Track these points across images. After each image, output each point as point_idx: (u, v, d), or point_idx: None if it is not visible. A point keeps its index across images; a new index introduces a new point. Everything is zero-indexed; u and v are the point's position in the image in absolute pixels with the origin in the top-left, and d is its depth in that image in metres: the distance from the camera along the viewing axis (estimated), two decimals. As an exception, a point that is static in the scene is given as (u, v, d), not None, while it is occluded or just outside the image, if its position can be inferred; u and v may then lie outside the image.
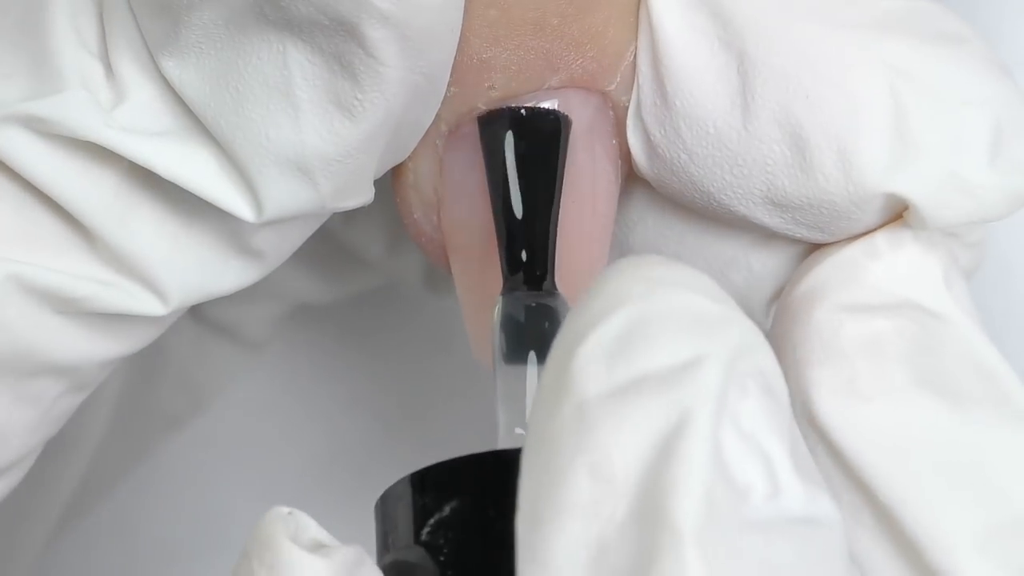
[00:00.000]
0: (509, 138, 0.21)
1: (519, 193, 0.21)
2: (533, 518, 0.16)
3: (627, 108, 0.22)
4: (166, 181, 0.20)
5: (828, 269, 0.21)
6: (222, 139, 0.20)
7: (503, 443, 0.20)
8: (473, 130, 0.22)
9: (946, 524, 0.19)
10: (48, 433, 0.22)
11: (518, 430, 0.20)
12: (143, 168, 0.20)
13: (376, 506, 0.21)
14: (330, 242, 0.30)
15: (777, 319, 0.22)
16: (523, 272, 0.21)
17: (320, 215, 0.21)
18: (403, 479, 0.20)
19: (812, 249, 0.22)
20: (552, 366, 0.17)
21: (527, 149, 0.21)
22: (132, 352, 0.22)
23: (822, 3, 0.21)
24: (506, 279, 0.21)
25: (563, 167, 0.21)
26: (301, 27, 0.19)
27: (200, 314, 0.31)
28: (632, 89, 0.22)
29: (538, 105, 0.21)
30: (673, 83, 0.21)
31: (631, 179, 0.23)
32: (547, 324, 0.21)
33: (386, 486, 0.35)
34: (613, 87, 0.22)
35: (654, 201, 0.23)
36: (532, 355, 0.20)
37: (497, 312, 0.21)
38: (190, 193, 0.20)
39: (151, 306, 0.21)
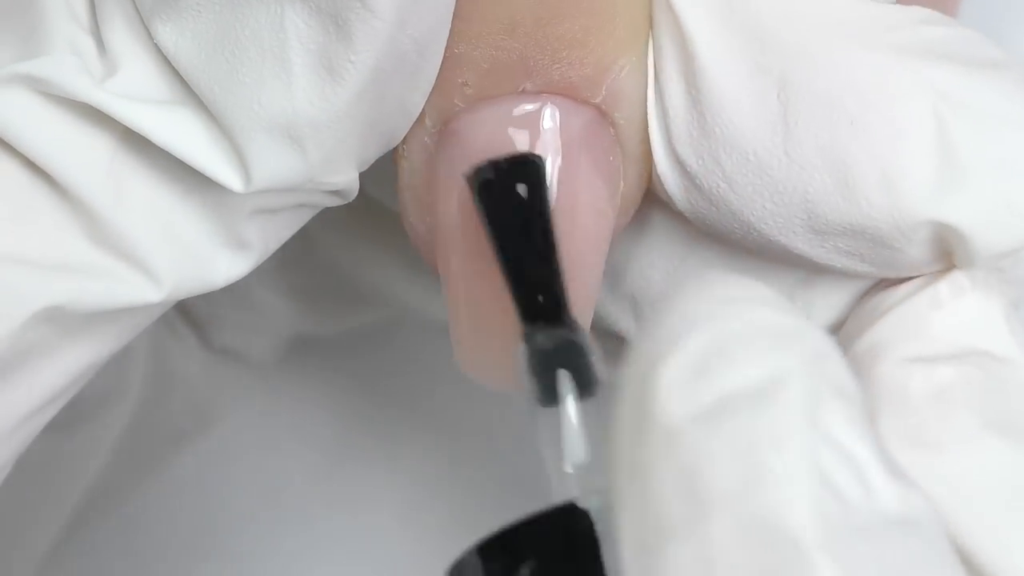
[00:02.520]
0: (495, 192, 0.21)
1: (517, 241, 0.21)
2: (638, 548, 0.17)
3: (624, 126, 0.21)
4: (158, 158, 0.20)
5: (892, 321, 0.21)
6: (213, 106, 0.20)
7: (555, 485, 0.20)
8: (459, 128, 0.21)
9: (1017, 560, 0.19)
10: (16, 449, 0.21)
11: (568, 468, 0.20)
12: (135, 143, 0.20)
13: None
14: (329, 281, 0.30)
15: None
16: (540, 314, 0.21)
17: (306, 205, 0.21)
18: (470, 549, 0.20)
19: (862, 289, 0.22)
20: (630, 394, 0.17)
21: (513, 199, 0.21)
22: (110, 355, 0.22)
23: (862, 28, 0.20)
24: (524, 325, 0.21)
25: (550, 204, 0.21)
26: None
27: (208, 340, 0.31)
28: (628, 108, 0.21)
29: (513, 153, 0.21)
30: (712, 110, 0.21)
31: (665, 221, 0.23)
32: (576, 359, 0.20)
33: (388, 486, 0.35)
34: (599, 100, 0.21)
35: (697, 240, 0.23)
36: (568, 394, 0.20)
37: (521, 358, 0.21)
38: (182, 171, 0.20)
39: (145, 292, 0.20)
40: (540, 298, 0.21)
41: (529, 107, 0.21)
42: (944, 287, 0.21)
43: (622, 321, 0.24)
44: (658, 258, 0.24)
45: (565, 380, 0.20)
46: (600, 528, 0.18)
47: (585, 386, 0.20)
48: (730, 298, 0.17)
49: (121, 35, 0.20)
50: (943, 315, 0.21)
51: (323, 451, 0.35)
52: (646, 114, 0.21)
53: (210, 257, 0.21)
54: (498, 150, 0.21)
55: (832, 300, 0.23)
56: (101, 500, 0.31)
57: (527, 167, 0.21)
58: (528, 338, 0.21)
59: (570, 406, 0.20)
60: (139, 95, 0.20)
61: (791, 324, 0.17)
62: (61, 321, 0.20)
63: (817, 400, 0.17)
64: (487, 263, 0.21)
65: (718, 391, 0.16)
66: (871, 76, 0.20)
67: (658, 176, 0.22)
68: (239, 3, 0.19)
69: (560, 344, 0.20)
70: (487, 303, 0.22)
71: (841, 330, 0.22)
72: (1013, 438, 0.20)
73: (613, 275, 0.24)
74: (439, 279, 0.23)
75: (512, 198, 0.21)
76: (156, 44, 0.20)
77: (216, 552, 0.35)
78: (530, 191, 0.21)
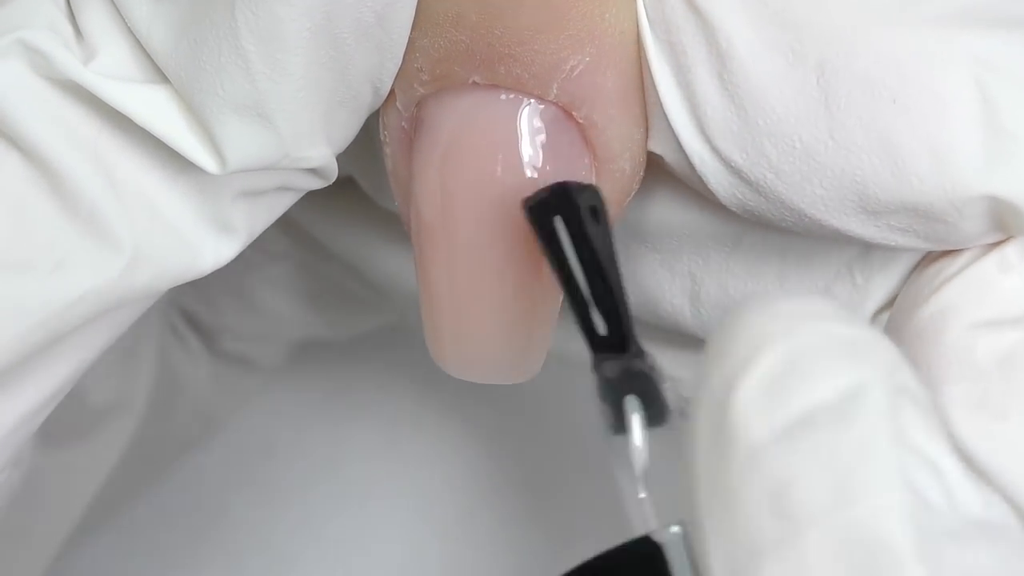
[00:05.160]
0: (558, 221, 0.21)
1: (581, 272, 0.21)
2: (730, 571, 0.17)
3: (584, 126, 0.21)
4: (142, 141, 0.20)
5: (959, 286, 0.21)
6: (182, 91, 0.20)
7: (631, 513, 0.20)
8: (426, 115, 0.21)
9: None
10: (12, 452, 0.21)
11: (641, 495, 0.20)
12: (120, 124, 0.20)
13: None
14: (336, 286, 0.30)
15: (904, 338, 0.21)
16: (607, 343, 0.21)
17: (287, 188, 0.21)
18: None
19: (919, 260, 0.22)
20: (706, 417, 0.17)
21: (577, 226, 0.21)
22: (98, 355, 0.22)
23: (894, 3, 0.20)
24: (593, 353, 0.21)
25: (611, 232, 0.21)
26: None
27: (215, 348, 0.31)
28: (586, 107, 0.21)
29: (570, 181, 0.21)
30: (753, 102, 0.20)
31: (715, 206, 0.22)
32: (644, 387, 0.20)
33: (389, 487, 0.35)
34: (552, 97, 0.21)
35: (750, 224, 0.23)
36: (636, 420, 0.20)
37: (593, 387, 0.21)
38: (165, 154, 0.20)
39: (132, 276, 0.20)
40: (608, 328, 0.21)
41: (493, 98, 0.21)
42: (1011, 250, 0.21)
43: (676, 301, 0.24)
44: (710, 238, 0.23)
45: (633, 408, 0.20)
46: (677, 560, 0.18)
47: (655, 414, 0.20)
48: (796, 314, 0.17)
49: (97, 21, 0.20)
50: (1012, 278, 0.20)
51: (327, 456, 0.35)
52: (619, 115, 0.21)
53: (196, 241, 0.21)
54: (464, 140, 0.21)
55: (891, 271, 0.23)
56: (109, 506, 0.31)
57: (589, 197, 0.21)
58: (597, 367, 0.21)
59: (638, 433, 0.20)
60: (119, 77, 0.20)
61: (861, 335, 0.17)
62: (53, 324, 0.20)
63: (897, 409, 0.17)
64: (471, 254, 0.22)
65: (798, 406, 0.17)
66: (908, 52, 0.20)
67: (698, 175, 0.21)
68: None
69: (628, 372, 0.20)
70: (468, 294, 0.22)
71: (897, 300, 0.22)
72: None
73: (667, 254, 0.24)
74: None
75: (577, 229, 0.21)
76: (130, 29, 0.20)
77: (221, 557, 0.34)
78: (595, 222, 0.21)
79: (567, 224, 0.21)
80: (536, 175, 0.21)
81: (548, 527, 0.35)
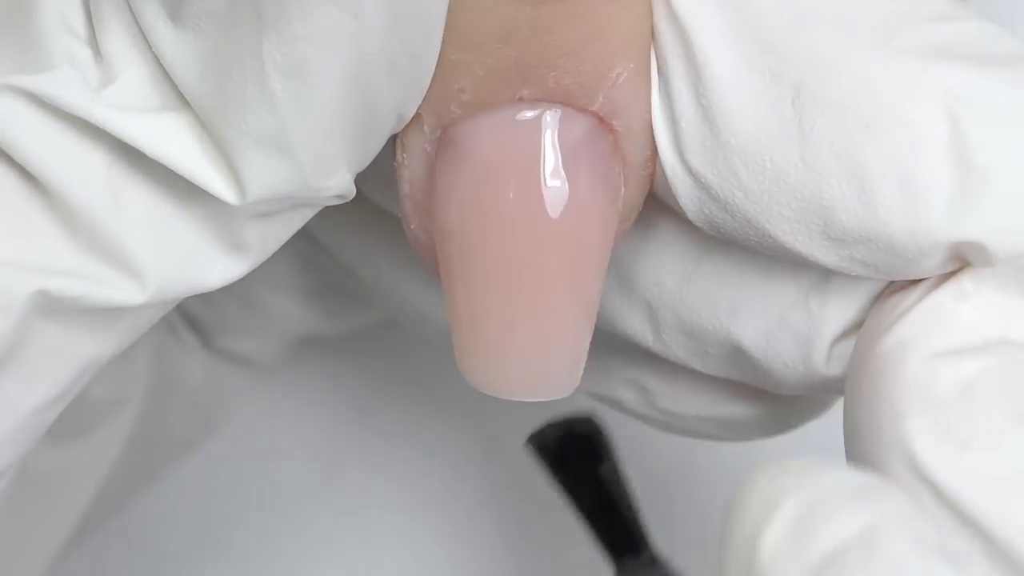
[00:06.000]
0: (560, 455, 0.22)
1: (595, 498, 0.22)
2: None
3: (623, 134, 0.21)
4: (155, 168, 0.20)
5: (917, 318, 0.21)
6: (206, 120, 0.20)
7: None
8: (458, 135, 0.21)
9: None
10: (26, 447, 0.21)
11: None
12: (132, 153, 0.20)
13: None
14: (336, 279, 0.30)
15: (864, 371, 0.21)
16: (626, 550, 0.22)
17: (304, 205, 0.21)
18: None
19: (880, 290, 0.22)
20: (735, 570, 0.18)
21: (580, 459, 0.22)
22: (112, 355, 0.21)
23: (874, 29, 0.20)
24: (614, 563, 0.22)
25: (616, 455, 0.22)
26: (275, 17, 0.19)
27: (212, 344, 0.31)
28: (626, 115, 0.21)
29: (571, 415, 0.22)
30: (725, 120, 0.20)
31: (675, 228, 0.23)
32: None
33: (388, 488, 0.35)
34: (596, 107, 0.21)
35: (709, 250, 0.23)
36: None
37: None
38: (178, 182, 0.20)
39: (128, 295, 0.20)
40: (625, 538, 0.22)
41: (529, 114, 0.21)
42: (967, 280, 0.20)
43: (638, 326, 0.24)
44: (670, 262, 0.23)
45: None
46: None
47: None
48: (803, 470, 0.18)
49: (118, 42, 0.20)
50: (968, 307, 0.20)
51: (327, 453, 0.35)
52: (648, 120, 0.21)
53: (208, 262, 0.21)
54: (498, 158, 0.21)
55: (849, 299, 0.22)
56: (108, 505, 0.30)
57: (588, 427, 0.22)
58: (619, 572, 0.22)
59: None
60: (136, 104, 0.20)
61: (871, 480, 0.18)
62: (58, 316, 0.20)
63: (917, 541, 0.17)
64: (488, 270, 0.21)
65: (823, 547, 0.17)
66: (884, 80, 0.20)
67: (669, 186, 0.21)
68: (232, 25, 0.19)
69: (649, 573, 0.22)
70: (489, 311, 0.22)
71: (861, 331, 0.22)
72: None
73: (626, 281, 0.24)
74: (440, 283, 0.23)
75: (585, 460, 0.22)
76: (154, 52, 0.20)
77: (220, 557, 0.34)
78: (600, 452, 0.22)
79: (578, 457, 0.22)
80: (574, 187, 0.21)
81: (549, 529, 0.34)
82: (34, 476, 0.22)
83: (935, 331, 0.20)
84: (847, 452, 0.22)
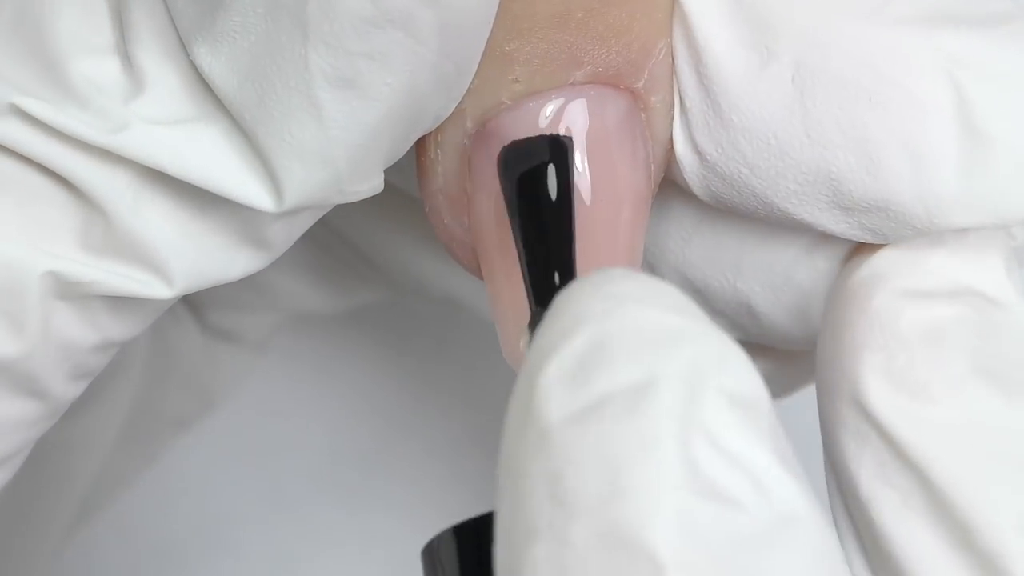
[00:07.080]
0: (518, 169, 0.21)
1: (535, 222, 0.21)
2: (506, 544, 0.16)
3: (658, 109, 0.21)
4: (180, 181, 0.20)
5: (890, 255, 0.21)
6: (247, 130, 0.20)
7: None
8: (497, 127, 0.21)
9: (996, 507, 0.19)
10: (46, 425, 0.21)
11: None
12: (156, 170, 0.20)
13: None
14: (334, 255, 0.29)
15: (833, 303, 0.21)
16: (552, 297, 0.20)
17: (331, 202, 0.21)
18: (446, 530, 0.20)
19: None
20: (519, 391, 0.17)
21: (530, 181, 0.21)
22: (131, 336, 0.22)
23: (868, 1, 0.20)
24: (534, 308, 0.21)
25: (572, 188, 0.21)
26: (328, 30, 0.19)
27: (205, 321, 0.31)
28: (662, 90, 0.21)
29: (540, 134, 0.21)
30: (727, 99, 0.21)
31: (675, 191, 0.23)
32: None
33: (388, 487, 0.35)
34: (640, 84, 0.21)
35: (708, 211, 0.23)
36: None
37: (525, 347, 0.21)
38: (205, 191, 0.20)
39: (156, 290, 0.20)
40: (555, 281, 0.21)
41: (563, 101, 0.21)
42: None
43: None
44: (672, 227, 0.24)
45: None
46: None
47: None
48: (621, 295, 0.17)
49: (150, 50, 0.20)
50: (943, 252, 0.21)
51: (324, 437, 0.35)
52: (673, 96, 0.22)
53: (231, 258, 0.21)
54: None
55: (852, 247, 0.22)
56: (107, 485, 0.30)
57: (553, 147, 0.21)
58: (536, 324, 0.20)
59: None
60: (168, 114, 0.20)
61: (677, 326, 0.17)
62: (75, 299, 0.20)
63: (698, 404, 0.16)
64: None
65: (592, 394, 0.16)
66: (883, 51, 0.20)
67: (677, 162, 0.22)
68: (271, 38, 0.19)
69: None
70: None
71: (843, 263, 0.22)
72: (1002, 386, 0.20)
73: None
74: (449, 258, 0.23)
75: (535, 177, 0.21)
76: (190, 60, 0.20)
77: (215, 542, 0.34)
78: (555, 170, 0.21)
79: (529, 170, 0.21)
80: (612, 170, 0.21)
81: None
82: (33, 456, 0.22)
83: (906, 268, 0.20)
84: (816, 384, 0.21)
